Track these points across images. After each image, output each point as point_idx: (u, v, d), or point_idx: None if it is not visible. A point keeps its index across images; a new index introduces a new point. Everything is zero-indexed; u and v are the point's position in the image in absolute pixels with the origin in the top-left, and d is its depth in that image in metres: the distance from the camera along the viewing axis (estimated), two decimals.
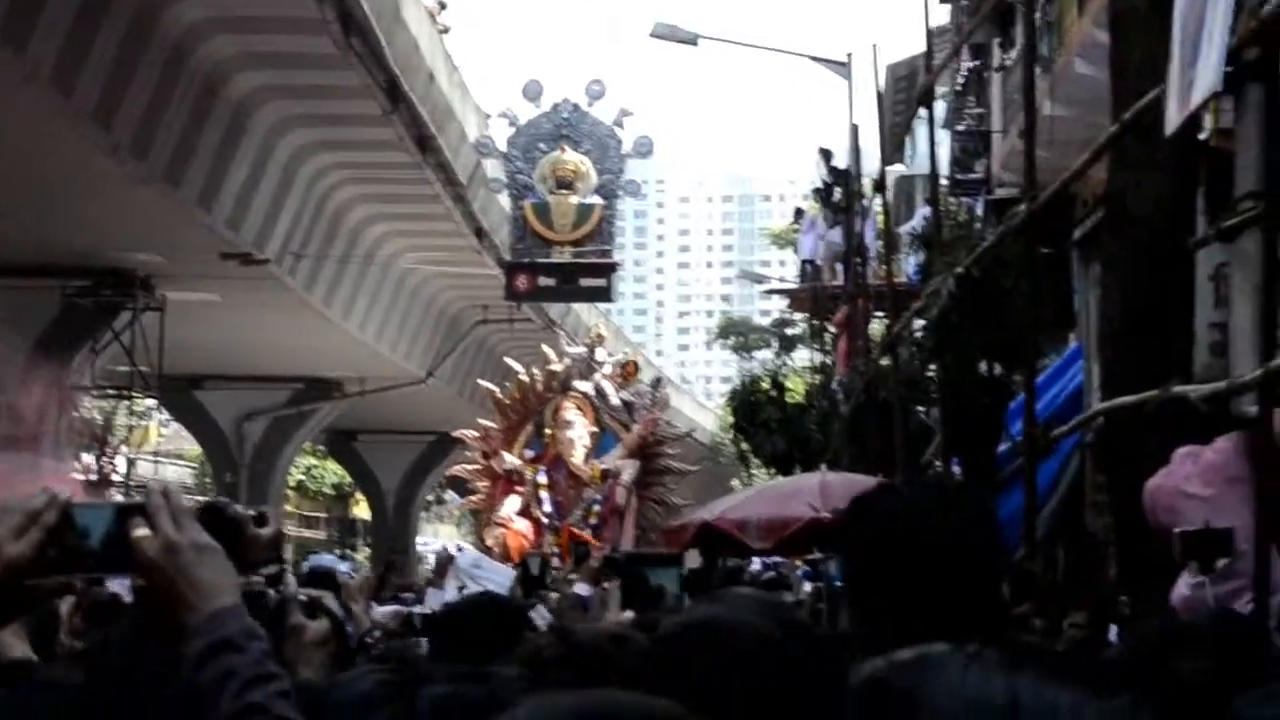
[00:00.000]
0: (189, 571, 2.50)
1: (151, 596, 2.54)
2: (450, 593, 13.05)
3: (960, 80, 21.99)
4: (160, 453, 48.28)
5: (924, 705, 2.57)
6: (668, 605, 5.26)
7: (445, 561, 15.10)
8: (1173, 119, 9.40)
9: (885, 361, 20.01)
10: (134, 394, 31.47)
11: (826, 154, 29.56)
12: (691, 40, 31.27)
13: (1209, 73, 8.71)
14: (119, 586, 5.21)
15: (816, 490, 16.10)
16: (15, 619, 2.64)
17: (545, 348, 31.24)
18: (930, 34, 16.78)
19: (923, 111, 16.78)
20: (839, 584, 19.37)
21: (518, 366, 30.98)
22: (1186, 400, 10.21)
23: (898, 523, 3.07)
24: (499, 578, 14.38)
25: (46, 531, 2.47)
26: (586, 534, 28.80)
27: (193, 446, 47.05)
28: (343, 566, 18.44)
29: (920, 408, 19.66)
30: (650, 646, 2.85)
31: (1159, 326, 11.14)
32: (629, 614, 5.42)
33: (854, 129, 23.27)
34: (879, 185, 19.35)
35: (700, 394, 43.03)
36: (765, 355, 36.16)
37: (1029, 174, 12.93)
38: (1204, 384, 10.32)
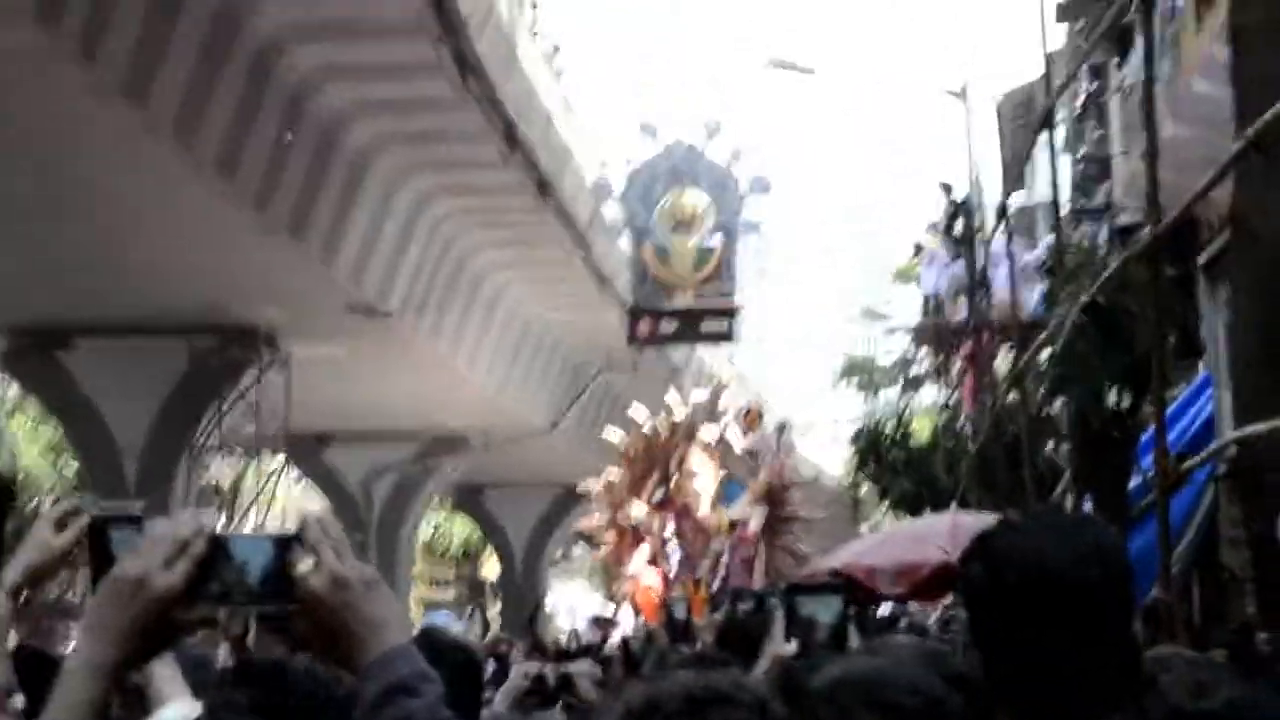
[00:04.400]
0: (358, 607, 2.45)
1: (313, 633, 2.48)
2: None
3: (1079, 104, 21.67)
4: (287, 513, 48.48)
5: None
6: (821, 638, 5.11)
7: None
8: None
9: (1012, 396, 19.69)
10: (260, 453, 31.50)
11: (947, 188, 29.29)
12: (808, 70, 31.15)
13: None
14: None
15: (946, 532, 15.88)
16: (160, 652, 2.52)
17: (668, 396, 31.04)
18: (1049, 57, 16.50)
19: (1043, 137, 16.49)
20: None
21: (641, 415, 30.80)
22: None
23: (1016, 561, 2.93)
24: None
25: (195, 562, 2.43)
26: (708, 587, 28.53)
27: (320, 505, 47.13)
28: (455, 625, 18.27)
29: (1049, 443, 19.29)
30: (808, 700, 2.71)
31: None
32: (792, 646, 5.08)
33: (972, 160, 23.01)
34: (1002, 214, 19.04)
35: (825, 436, 42.71)
36: (890, 395, 35.80)
37: (1152, 197, 12.62)
38: None
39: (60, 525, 3.39)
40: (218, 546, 2.44)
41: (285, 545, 2.46)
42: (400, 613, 2.56)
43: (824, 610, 5.33)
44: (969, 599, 3.09)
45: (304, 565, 2.45)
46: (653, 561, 30.13)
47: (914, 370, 33.07)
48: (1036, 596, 2.87)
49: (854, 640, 5.07)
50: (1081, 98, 21.45)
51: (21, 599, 3.45)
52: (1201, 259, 15.45)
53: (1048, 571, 2.88)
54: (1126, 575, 3.03)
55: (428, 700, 2.41)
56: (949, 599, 19.76)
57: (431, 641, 4.75)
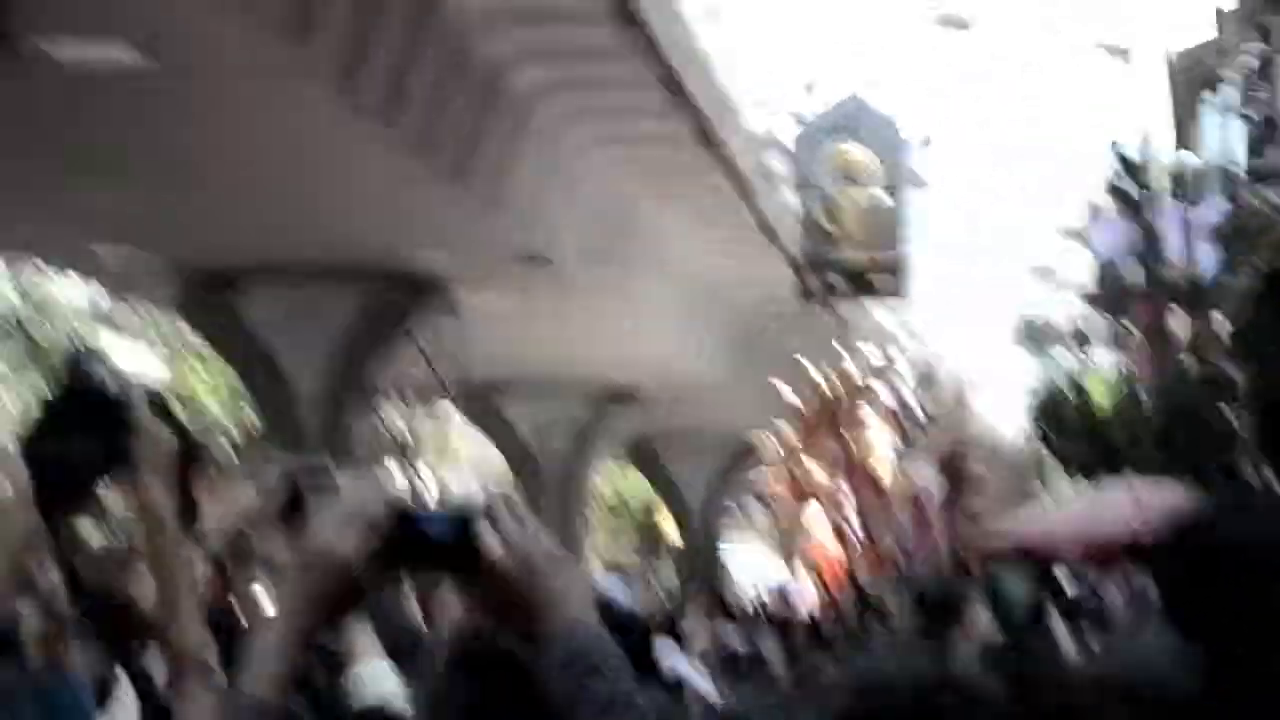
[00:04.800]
0: (543, 582, 2.50)
1: (497, 605, 2.54)
2: None
3: (1251, 66, 21.02)
4: (465, 462, 48.73)
5: None
6: (1021, 618, 4.91)
7: None
8: None
9: (1192, 362, 19.29)
10: (433, 399, 31.52)
11: (1119, 148, 28.69)
12: (963, 25, 30.78)
13: None
14: None
15: (1129, 503, 15.63)
16: (347, 615, 2.61)
17: (838, 347, 30.71)
18: (1220, 16, 15.96)
19: (1214, 97, 15.99)
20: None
21: (815, 371, 30.46)
22: None
23: (1214, 547, 2.82)
24: None
25: (379, 533, 2.49)
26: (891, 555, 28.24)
27: (495, 456, 47.22)
28: (620, 593, 17.99)
29: (1229, 411, 18.85)
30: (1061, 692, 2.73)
31: None
32: (993, 625, 5.34)
33: (1140, 121, 22.47)
34: (1176, 179, 18.54)
35: (1000, 396, 42.22)
36: (1064, 356, 35.25)
37: None
38: None
39: (261, 487, 3.55)
40: (403, 518, 2.51)
41: (469, 518, 2.52)
42: (585, 587, 2.61)
43: (1023, 591, 5.70)
44: (1167, 581, 2.97)
45: (489, 538, 2.50)
46: (834, 528, 29.92)
47: (1088, 332, 32.57)
48: (1242, 582, 2.76)
49: (1053, 621, 5.12)
50: (1255, 59, 20.80)
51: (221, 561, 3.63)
52: None
53: (1255, 557, 2.79)
54: None
55: (611, 675, 2.44)
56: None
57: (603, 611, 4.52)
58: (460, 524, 2.52)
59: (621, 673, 2.47)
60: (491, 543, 2.51)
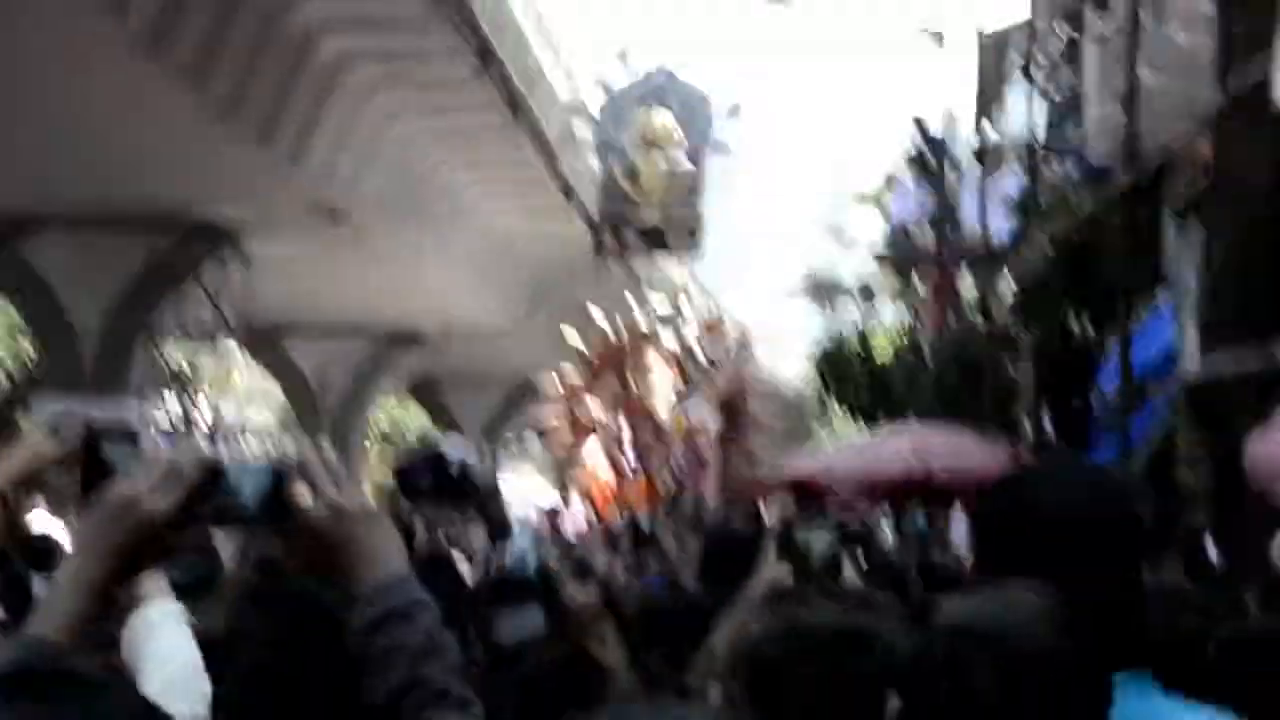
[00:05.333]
0: (358, 538, 2.47)
1: (311, 562, 2.52)
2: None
3: (1055, 48, 22.21)
4: (245, 397, 48.73)
5: None
6: (817, 564, 5.13)
7: None
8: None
9: (977, 321, 20.18)
10: (217, 338, 31.76)
11: (920, 121, 29.82)
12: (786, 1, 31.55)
13: None
14: None
15: (908, 444, 16.22)
16: (148, 569, 2.59)
17: (630, 299, 31.50)
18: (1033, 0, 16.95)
19: (1021, 77, 17.01)
20: (923, 535, 19.67)
21: (601, 317, 31.28)
22: None
23: (1033, 505, 2.94)
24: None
25: (189, 488, 2.44)
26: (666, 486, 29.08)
27: (276, 391, 47.52)
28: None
29: (1009, 365, 19.88)
30: (917, 644, 2.67)
31: (1261, 292, 11.49)
32: (785, 569, 5.20)
33: (948, 95, 23.55)
34: (977, 153, 19.60)
35: (784, 349, 43.17)
36: (849, 313, 36.31)
37: (1130, 142, 13.27)
38: None
39: (54, 432, 3.37)
40: (214, 473, 2.46)
41: (282, 473, 2.48)
42: (398, 542, 2.52)
43: (819, 538, 5.50)
44: (985, 535, 3.09)
45: (302, 494, 2.46)
46: (607, 458, 30.62)
47: (875, 290, 33.56)
48: (1056, 536, 2.86)
49: (848, 569, 5.06)
50: (1060, 42, 21.99)
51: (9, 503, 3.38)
52: (1172, 201, 16.03)
53: (1069, 513, 2.89)
54: (1141, 520, 3.05)
55: (422, 627, 2.42)
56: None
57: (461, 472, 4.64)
58: (273, 479, 2.47)
59: (435, 625, 2.45)
60: (304, 499, 2.46)
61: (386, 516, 2.54)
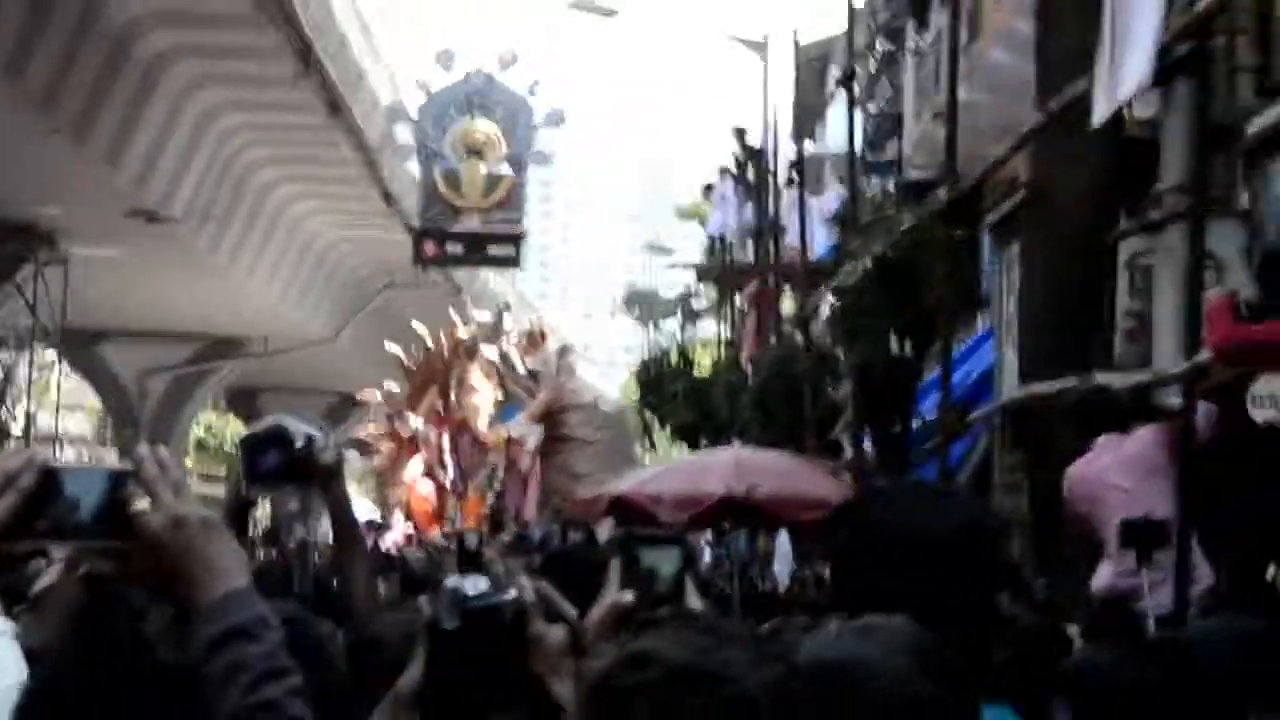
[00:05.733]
0: (198, 549, 2.33)
1: (148, 572, 2.36)
2: None
3: (874, 63, 22.15)
4: (61, 406, 47.82)
5: None
6: (663, 590, 4.92)
7: None
8: (1100, 111, 9.58)
9: (798, 338, 20.07)
10: (35, 346, 31.10)
11: (740, 132, 29.63)
12: (609, 13, 31.36)
13: (1139, 66, 8.88)
14: None
15: (731, 466, 15.99)
16: None
17: (453, 313, 31.20)
18: (852, 14, 16.88)
19: (841, 92, 16.88)
20: (744, 557, 19.48)
21: (424, 331, 30.93)
22: (1104, 388, 10.43)
23: (886, 531, 2.94)
24: None
25: (24, 496, 2.27)
26: (487, 500, 28.82)
27: (94, 400, 46.68)
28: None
29: (830, 385, 19.79)
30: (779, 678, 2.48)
31: (1078, 314, 11.35)
32: (629, 595, 4.89)
33: (768, 107, 23.40)
34: (796, 164, 19.43)
35: (605, 364, 42.87)
36: (670, 327, 36.14)
37: (949, 159, 13.08)
38: (1123, 373, 10.54)
39: None
40: (48, 479, 2.29)
41: (120, 480, 2.33)
42: (240, 555, 2.41)
43: (665, 561, 5.19)
44: (836, 561, 3.10)
45: (141, 503, 2.32)
46: (428, 473, 30.32)
47: (696, 305, 33.45)
48: (905, 560, 2.86)
49: (691, 596, 5.19)
50: (877, 57, 21.93)
51: None
52: (989, 220, 15.94)
53: (918, 537, 2.88)
54: (993, 544, 3.06)
55: (266, 646, 2.33)
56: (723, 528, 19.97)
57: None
58: (109, 484, 2.33)
59: (277, 645, 2.36)
60: (143, 506, 2.33)
61: (226, 525, 2.41)
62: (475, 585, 3.11)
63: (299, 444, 4.03)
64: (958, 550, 2.89)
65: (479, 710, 2.95)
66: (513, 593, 3.43)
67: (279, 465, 4.01)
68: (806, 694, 2.33)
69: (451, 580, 2.97)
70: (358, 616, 4.33)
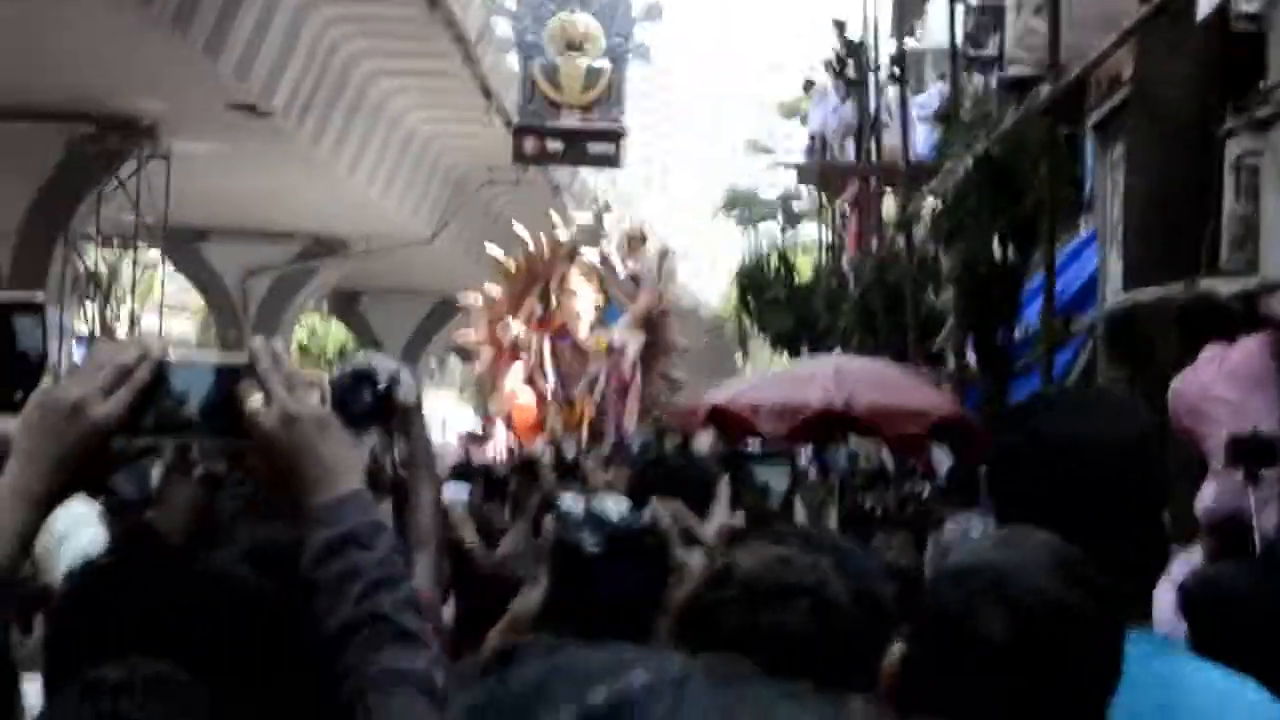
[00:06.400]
0: (312, 448, 2.27)
1: (261, 470, 2.32)
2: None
3: None
4: (164, 306, 48.07)
5: None
6: (774, 505, 4.81)
7: None
8: (1205, 3, 9.10)
9: (899, 242, 19.74)
10: (139, 245, 31.04)
11: (840, 25, 29.04)
12: None
13: None
14: None
15: (831, 376, 15.77)
16: (95, 482, 2.41)
17: (553, 214, 30.84)
18: None
19: None
20: (844, 472, 19.06)
21: (524, 233, 30.61)
22: (1209, 295, 9.92)
23: (1057, 438, 2.87)
24: None
25: (138, 391, 2.23)
26: (588, 410, 28.60)
27: (197, 300, 46.73)
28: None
29: (932, 292, 19.42)
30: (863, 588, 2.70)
31: (1185, 217, 10.88)
32: (739, 515, 4.68)
33: (869, 1, 22.83)
34: (897, 60, 18.91)
35: (705, 267, 42.51)
36: (771, 229, 35.60)
37: (1053, 54, 12.63)
38: (1228, 278, 10.03)
39: None
40: (159, 374, 2.25)
41: (232, 375, 2.27)
42: (355, 456, 2.41)
43: (776, 477, 5.28)
44: (1000, 468, 3.03)
45: (253, 400, 2.25)
46: (529, 380, 30.09)
47: (797, 207, 33.00)
48: (1075, 470, 2.81)
49: (799, 511, 5.16)
50: None
51: None
52: (1093, 119, 15.45)
53: (1088, 446, 2.83)
54: (1161, 458, 3.03)
55: (379, 554, 2.26)
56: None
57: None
58: (220, 379, 2.28)
59: (390, 551, 2.29)
60: (255, 403, 2.26)
61: (339, 425, 2.33)
62: (616, 507, 3.12)
63: (382, 384, 4.00)
64: (1135, 459, 2.86)
65: (608, 637, 2.77)
66: (649, 515, 3.25)
67: (370, 405, 3.96)
68: (953, 600, 2.39)
69: (570, 501, 3.00)
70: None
